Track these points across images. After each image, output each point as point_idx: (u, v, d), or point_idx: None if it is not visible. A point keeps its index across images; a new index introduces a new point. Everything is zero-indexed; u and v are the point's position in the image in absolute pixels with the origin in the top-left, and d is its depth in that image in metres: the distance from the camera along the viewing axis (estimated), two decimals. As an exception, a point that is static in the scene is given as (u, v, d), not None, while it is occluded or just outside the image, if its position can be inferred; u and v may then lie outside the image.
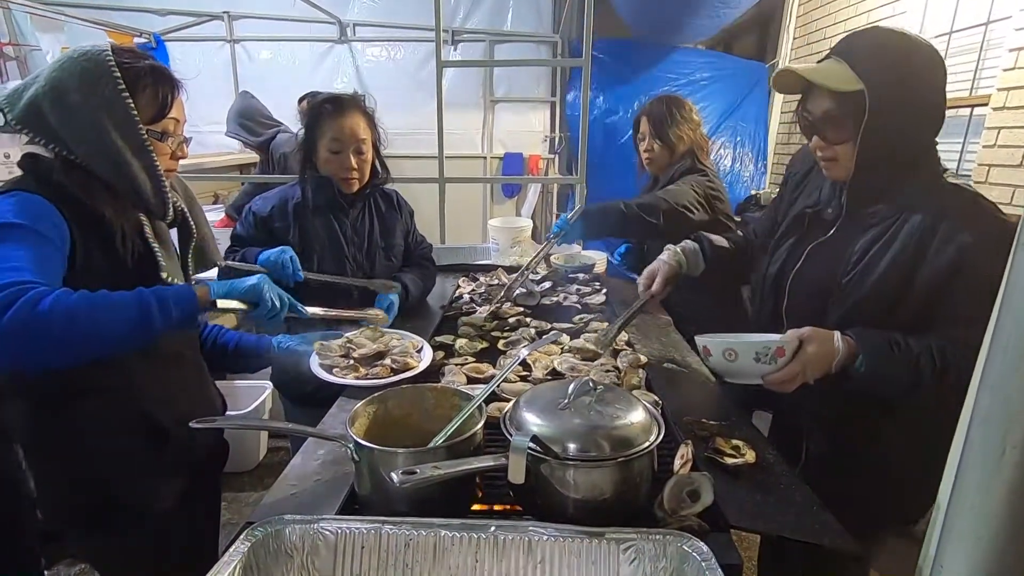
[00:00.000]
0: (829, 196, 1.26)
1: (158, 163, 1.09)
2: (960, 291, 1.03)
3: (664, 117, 2.06)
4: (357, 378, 1.31)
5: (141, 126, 1.05)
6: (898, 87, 1.07)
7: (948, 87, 1.11)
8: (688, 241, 1.57)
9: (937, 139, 1.15)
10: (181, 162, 1.22)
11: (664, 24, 3.97)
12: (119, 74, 1.03)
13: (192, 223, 1.28)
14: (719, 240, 1.58)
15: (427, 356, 1.41)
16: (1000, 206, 1.10)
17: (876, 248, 1.12)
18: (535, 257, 2.01)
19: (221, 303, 1.08)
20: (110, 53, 1.04)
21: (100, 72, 1.02)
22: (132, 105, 1.04)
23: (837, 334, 1.08)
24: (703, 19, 3.64)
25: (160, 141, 1.10)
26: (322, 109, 1.69)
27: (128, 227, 1.08)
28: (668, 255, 1.53)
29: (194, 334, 1.33)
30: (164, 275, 1.12)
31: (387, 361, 1.36)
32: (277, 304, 1.16)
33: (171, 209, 1.16)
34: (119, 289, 1.02)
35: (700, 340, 1.19)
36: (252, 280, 1.15)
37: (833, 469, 1.21)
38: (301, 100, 3.85)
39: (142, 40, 4.11)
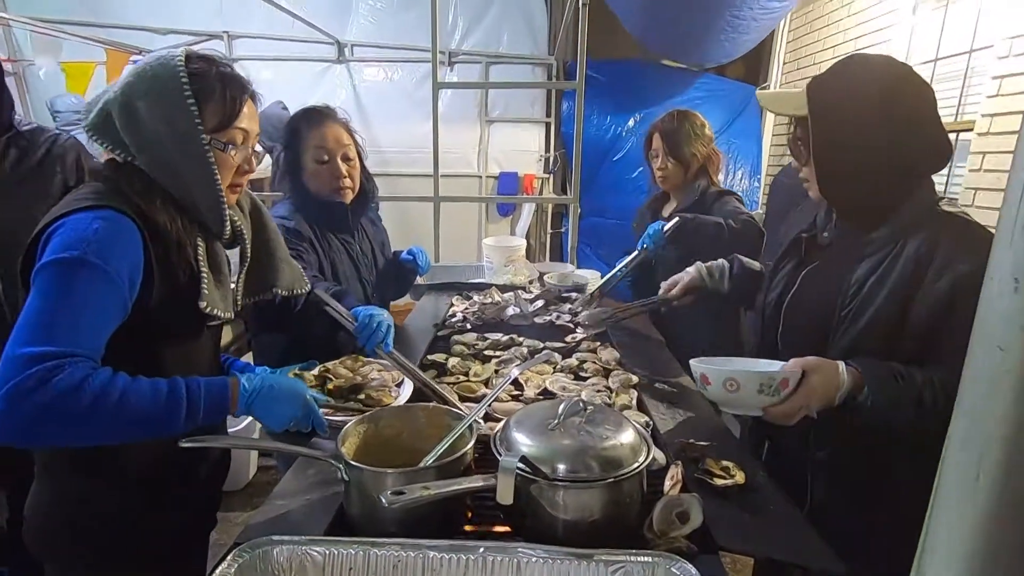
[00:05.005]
0: (824, 221, 1.24)
1: (218, 176, 1.03)
2: (959, 322, 0.96)
3: (677, 134, 2.02)
4: (326, 414, 1.18)
5: (204, 136, 1.00)
6: (844, 114, 1.06)
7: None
8: (721, 260, 1.61)
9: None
10: None
11: (677, 46, 4.01)
12: (187, 80, 0.98)
13: (248, 245, 1.20)
14: (751, 263, 1.57)
15: (406, 392, 1.32)
16: (986, 227, 1.07)
17: (873, 279, 1.08)
18: (623, 265, 1.94)
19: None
20: (182, 59, 1.00)
21: (167, 78, 0.98)
22: (197, 113, 0.99)
23: (841, 364, 1.03)
24: (715, 43, 3.67)
25: (223, 152, 1.03)
26: (299, 123, 1.66)
27: (184, 240, 1.03)
28: (694, 268, 1.59)
29: (211, 354, 1.25)
30: (203, 304, 1.03)
31: (361, 396, 1.29)
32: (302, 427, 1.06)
33: (228, 227, 1.10)
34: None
35: (697, 367, 1.10)
36: (291, 401, 1.02)
37: (841, 518, 1.10)
38: None
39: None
